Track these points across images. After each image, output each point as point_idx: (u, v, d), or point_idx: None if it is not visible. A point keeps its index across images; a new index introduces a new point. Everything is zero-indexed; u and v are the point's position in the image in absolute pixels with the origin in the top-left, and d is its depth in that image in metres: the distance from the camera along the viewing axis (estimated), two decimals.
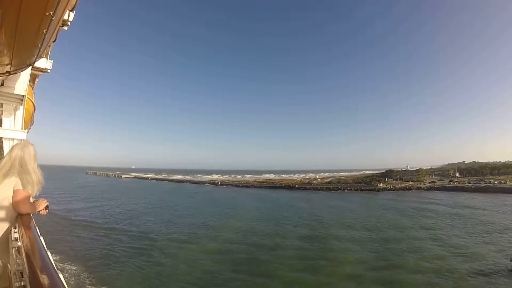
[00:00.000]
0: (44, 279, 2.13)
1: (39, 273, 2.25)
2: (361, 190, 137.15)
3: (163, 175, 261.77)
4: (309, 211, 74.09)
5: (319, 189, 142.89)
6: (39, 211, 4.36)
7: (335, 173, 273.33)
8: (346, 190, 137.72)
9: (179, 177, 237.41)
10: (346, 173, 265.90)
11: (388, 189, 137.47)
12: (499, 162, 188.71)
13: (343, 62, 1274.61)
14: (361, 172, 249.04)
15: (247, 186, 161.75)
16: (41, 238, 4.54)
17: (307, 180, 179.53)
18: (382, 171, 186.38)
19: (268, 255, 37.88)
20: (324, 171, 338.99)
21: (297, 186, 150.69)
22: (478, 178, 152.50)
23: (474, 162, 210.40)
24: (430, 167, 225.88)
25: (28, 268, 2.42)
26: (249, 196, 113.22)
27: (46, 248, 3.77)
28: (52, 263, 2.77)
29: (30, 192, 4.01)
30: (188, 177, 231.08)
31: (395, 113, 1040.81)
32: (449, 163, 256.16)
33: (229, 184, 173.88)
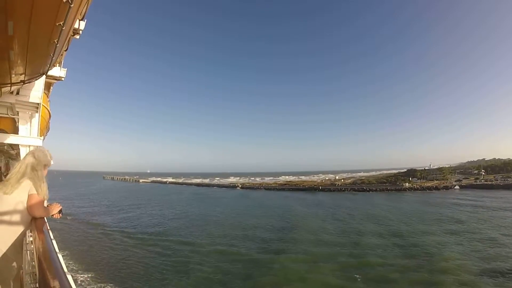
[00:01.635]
0: (54, 283, 2.21)
1: (49, 276, 2.33)
2: (387, 190, 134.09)
3: (182, 179, 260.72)
4: (373, 214, 69.17)
5: (343, 190, 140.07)
6: (52, 215, 4.39)
7: (353, 173, 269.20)
8: (371, 191, 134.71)
9: (197, 180, 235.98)
10: (364, 173, 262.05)
11: (415, 189, 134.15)
12: None
13: (351, 64, 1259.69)
14: (380, 172, 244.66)
15: (268, 189, 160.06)
16: (54, 242, 4.83)
17: (329, 181, 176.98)
18: (403, 171, 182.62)
19: None
20: (339, 172, 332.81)
21: (320, 187, 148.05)
22: (504, 175, 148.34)
23: (494, 159, 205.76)
24: (448, 166, 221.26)
25: (39, 271, 2.53)
26: (287, 199, 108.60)
27: (57, 252, 3.80)
28: (62, 267, 2.85)
29: (43, 196, 4.13)
30: (205, 180, 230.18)
31: (407, 113, 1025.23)
32: (469, 160, 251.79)
33: (252, 188, 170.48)
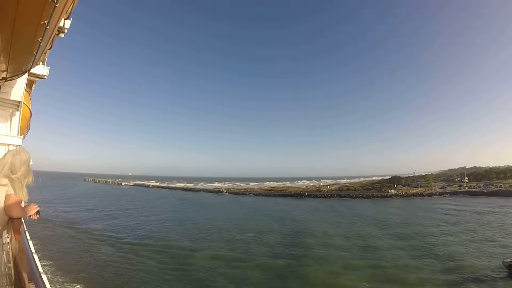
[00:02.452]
0: (29, 284, 2.20)
1: (24, 277, 2.29)
2: (374, 196, 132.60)
3: (166, 183, 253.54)
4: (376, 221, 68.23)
5: (330, 197, 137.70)
6: (30, 215, 4.30)
7: (337, 180, 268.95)
8: (357, 197, 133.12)
9: (181, 185, 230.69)
10: (348, 180, 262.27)
11: (401, 196, 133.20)
12: (504, 166, 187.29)
13: (340, 69, 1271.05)
14: (363, 179, 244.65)
15: (254, 195, 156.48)
16: (30, 243, 4.77)
17: (314, 188, 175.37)
18: (387, 178, 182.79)
19: None
20: (322, 178, 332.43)
21: (306, 193, 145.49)
22: (487, 182, 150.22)
23: (475, 167, 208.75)
24: (430, 173, 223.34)
25: (14, 272, 2.54)
26: (279, 205, 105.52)
27: (33, 253, 3.85)
28: (38, 268, 2.89)
29: (21, 197, 4.08)
30: (189, 185, 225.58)
31: (391, 120, 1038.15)
32: (450, 168, 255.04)
33: (240, 193, 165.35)
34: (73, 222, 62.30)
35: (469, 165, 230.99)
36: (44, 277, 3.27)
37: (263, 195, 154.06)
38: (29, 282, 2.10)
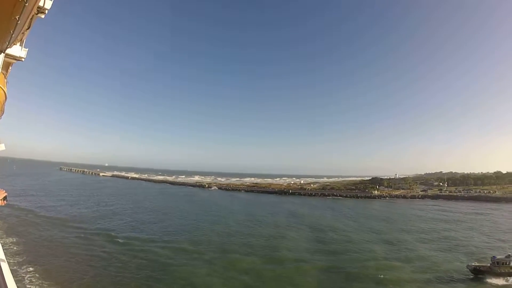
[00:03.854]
0: None
1: None
2: (357, 197, 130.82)
3: (144, 175, 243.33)
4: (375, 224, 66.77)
5: (314, 195, 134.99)
6: None
7: (317, 179, 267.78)
8: (341, 196, 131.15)
9: (161, 177, 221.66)
10: (327, 179, 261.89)
11: (384, 197, 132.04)
12: (479, 173, 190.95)
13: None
14: (342, 179, 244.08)
15: (237, 190, 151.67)
16: None
17: (295, 185, 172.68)
18: (368, 178, 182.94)
19: None
20: (302, 176, 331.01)
21: (290, 191, 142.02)
22: (466, 187, 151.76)
23: (451, 172, 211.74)
24: (407, 176, 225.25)
25: None
26: (265, 204, 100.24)
27: None
28: None
29: None
30: (169, 178, 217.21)
31: (360, 119, 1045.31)
32: (427, 172, 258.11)
33: (223, 188, 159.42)
34: (56, 215, 58.11)
35: (445, 170, 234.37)
36: (4, 265, 3.31)
37: (246, 191, 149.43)
38: None
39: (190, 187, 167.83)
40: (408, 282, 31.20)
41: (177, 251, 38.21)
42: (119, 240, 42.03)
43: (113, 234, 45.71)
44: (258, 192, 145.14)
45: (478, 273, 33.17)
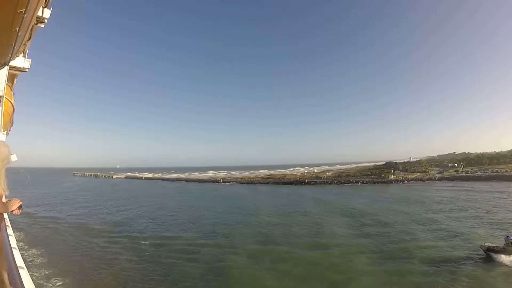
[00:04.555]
0: (5, 280, 2.29)
1: (1, 273, 2.37)
2: (374, 182, 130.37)
3: (158, 174, 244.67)
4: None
5: (330, 183, 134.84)
6: (12, 211, 4.00)
7: (330, 167, 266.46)
8: (358, 183, 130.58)
9: (174, 176, 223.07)
10: (341, 166, 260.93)
11: (400, 180, 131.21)
12: (493, 152, 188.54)
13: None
14: (355, 165, 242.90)
15: (253, 183, 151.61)
16: (11, 238, 4.80)
17: (309, 175, 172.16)
18: (381, 163, 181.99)
19: None
20: (314, 165, 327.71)
21: (306, 180, 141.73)
22: (481, 168, 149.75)
23: (464, 153, 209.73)
24: (419, 159, 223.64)
25: None
26: (287, 194, 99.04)
27: (13, 248, 3.77)
28: (16, 264, 2.93)
29: (1, 192, 3.83)
30: (182, 175, 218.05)
31: (377, 109, 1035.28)
32: (439, 154, 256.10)
33: (238, 182, 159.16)
34: (79, 222, 56.54)
35: (458, 151, 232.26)
36: (23, 272, 3.22)
37: (262, 183, 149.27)
38: (3, 275, 2.15)
39: (207, 183, 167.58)
40: (444, 260, 32.19)
41: (220, 249, 37.51)
42: (154, 242, 41.17)
43: (143, 236, 44.85)
44: (274, 183, 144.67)
45: (492, 253, 32.95)
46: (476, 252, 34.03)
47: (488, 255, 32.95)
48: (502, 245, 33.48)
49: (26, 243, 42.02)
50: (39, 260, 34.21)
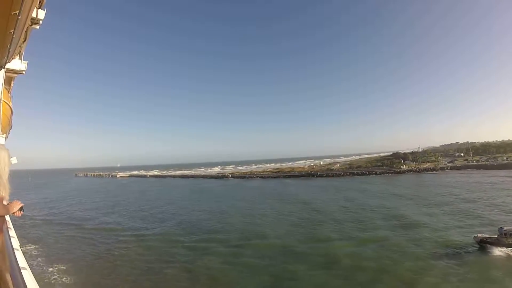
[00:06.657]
0: (8, 281, 2.35)
1: (3, 274, 2.44)
2: (386, 173, 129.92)
3: (164, 172, 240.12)
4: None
5: (342, 175, 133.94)
6: (13, 213, 3.80)
7: (336, 159, 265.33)
8: (370, 174, 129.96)
9: (186, 172, 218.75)
10: (346, 158, 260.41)
11: (413, 171, 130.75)
12: (496, 141, 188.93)
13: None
14: (360, 157, 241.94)
15: (262, 177, 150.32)
16: (13, 240, 4.74)
17: (319, 167, 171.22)
18: (388, 154, 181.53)
19: None
20: (318, 158, 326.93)
21: (318, 173, 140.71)
22: (489, 156, 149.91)
23: (468, 142, 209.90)
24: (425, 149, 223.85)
25: None
26: (303, 187, 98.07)
27: (15, 249, 3.77)
28: (19, 265, 2.97)
29: (3, 194, 3.67)
30: (187, 172, 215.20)
31: (381, 99, 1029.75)
32: (442, 144, 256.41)
33: (247, 177, 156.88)
34: (87, 223, 54.62)
35: (458, 141, 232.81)
36: (26, 272, 3.23)
37: (272, 177, 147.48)
38: (6, 280, 2.24)
39: (215, 179, 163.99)
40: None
41: (256, 250, 35.88)
42: (185, 245, 38.90)
43: (172, 239, 42.29)
44: (284, 177, 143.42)
45: (485, 244, 33.00)
46: None
47: (482, 246, 33.13)
48: (495, 236, 33.67)
49: (38, 251, 38.89)
50: (57, 267, 31.89)
